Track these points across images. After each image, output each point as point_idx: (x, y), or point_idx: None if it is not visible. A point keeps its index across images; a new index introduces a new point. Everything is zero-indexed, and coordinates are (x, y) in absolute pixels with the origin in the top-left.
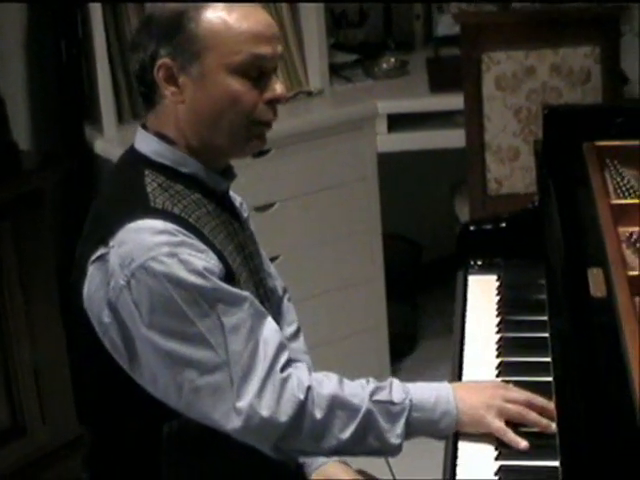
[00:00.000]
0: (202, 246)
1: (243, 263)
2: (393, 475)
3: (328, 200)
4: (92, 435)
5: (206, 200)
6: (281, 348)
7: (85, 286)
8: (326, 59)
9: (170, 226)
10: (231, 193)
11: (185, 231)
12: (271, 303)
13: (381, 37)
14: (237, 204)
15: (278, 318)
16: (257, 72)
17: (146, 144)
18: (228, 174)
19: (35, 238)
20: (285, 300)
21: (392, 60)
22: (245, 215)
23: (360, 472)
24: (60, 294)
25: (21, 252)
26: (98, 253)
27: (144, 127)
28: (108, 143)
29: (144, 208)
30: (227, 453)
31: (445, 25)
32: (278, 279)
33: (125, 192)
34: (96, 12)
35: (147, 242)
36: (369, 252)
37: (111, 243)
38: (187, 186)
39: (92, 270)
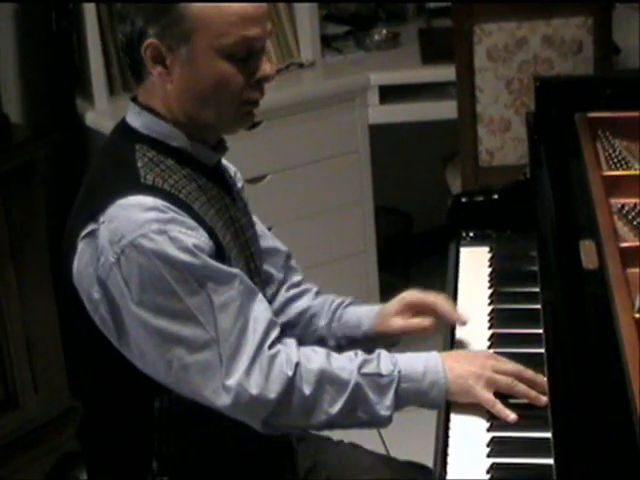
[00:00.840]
0: (192, 223)
1: (234, 238)
2: (386, 447)
3: (320, 172)
4: (85, 408)
5: (197, 174)
6: (271, 325)
7: (75, 262)
8: (317, 31)
9: (160, 202)
10: (225, 163)
11: (175, 208)
12: (262, 277)
13: (373, 8)
14: (231, 173)
15: (273, 288)
16: (246, 53)
17: (136, 118)
18: (219, 148)
19: (26, 211)
20: (291, 263)
21: (384, 32)
22: (240, 185)
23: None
24: (52, 266)
25: (12, 225)
26: (88, 229)
27: (134, 100)
28: (99, 115)
29: (134, 184)
30: (218, 427)
31: None
32: (277, 241)
33: (116, 167)
34: None
35: (137, 219)
36: (361, 224)
37: (101, 219)
38: (177, 160)
39: (82, 246)
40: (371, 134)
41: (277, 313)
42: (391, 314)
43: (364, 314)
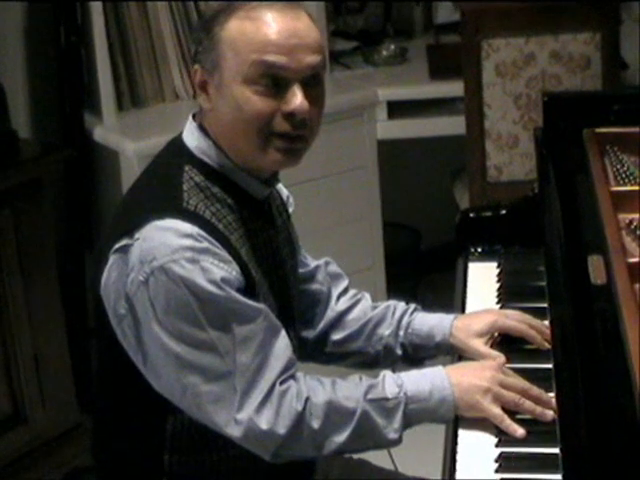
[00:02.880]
0: (226, 256)
1: (268, 272)
2: (394, 463)
3: (328, 187)
4: (96, 425)
5: (241, 205)
6: (289, 364)
7: (104, 273)
8: (326, 46)
9: (197, 231)
10: (279, 187)
11: (211, 238)
12: (294, 312)
13: (381, 24)
14: (284, 198)
15: (321, 304)
16: (271, 81)
17: (192, 137)
18: (271, 181)
19: (35, 226)
20: (331, 268)
21: (392, 47)
22: (290, 210)
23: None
24: (60, 282)
25: (21, 240)
26: (122, 243)
27: (194, 116)
28: (107, 131)
29: (176, 207)
30: (229, 451)
31: (445, 12)
32: (309, 259)
33: (161, 185)
34: None
35: (171, 243)
36: (369, 239)
37: (136, 236)
38: (224, 189)
39: (113, 259)
40: (379, 149)
41: (334, 328)
42: (476, 334)
43: (435, 324)
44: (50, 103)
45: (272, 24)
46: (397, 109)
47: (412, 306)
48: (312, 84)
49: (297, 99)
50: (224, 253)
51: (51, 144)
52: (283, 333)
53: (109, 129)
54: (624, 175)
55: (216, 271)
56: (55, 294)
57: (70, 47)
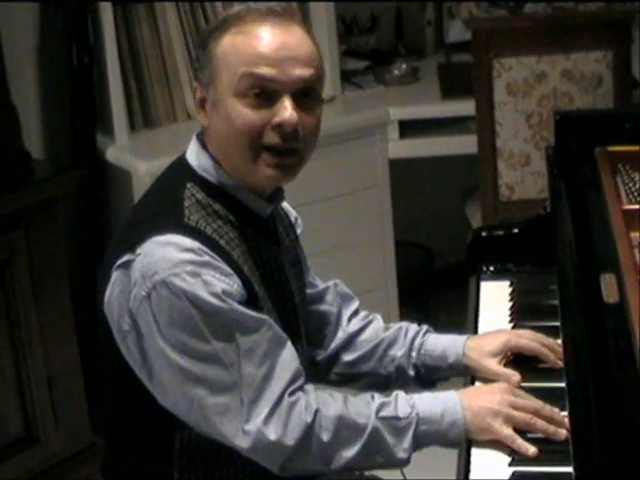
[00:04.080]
0: (227, 270)
1: (272, 289)
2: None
3: (340, 207)
4: (106, 443)
5: (244, 222)
6: (296, 375)
7: (108, 290)
8: (337, 66)
9: (197, 245)
10: (286, 207)
11: (213, 253)
12: (301, 331)
13: (392, 43)
14: (292, 219)
15: (331, 326)
16: (260, 93)
17: (195, 156)
18: (275, 198)
19: (47, 247)
20: (341, 289)
21: (403, 66)
22: (299, 231)
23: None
24: (73, 302)
25: (33, 261)
26: (124, 259)
27: (198, 136)
28: (119, 151)
29: (177, 222)
30: (239, 464)
31: (456, 31)
32: (318, 280)
33: (163, 202)
34: (107, 16)
35: (172, 257)
36: (381, 259)
37: (138, 251)
38: (226, 206)
39: (116, 276)
40: (391, 168)
41: (345, 349)
42: (490, 354)
43: (448, 345)
44: (62, 123)
45: (262, 37)
46: (409, 128)
47: (424, 327)
48: (304, 97)
49: (286, 111)
50: (225, 267)
51: (63, 164)
52: (289, 344)
53: (121, 149)
54: (636, 193)
55: (217, 284)
56: (68, 314)
57: (82, 67)
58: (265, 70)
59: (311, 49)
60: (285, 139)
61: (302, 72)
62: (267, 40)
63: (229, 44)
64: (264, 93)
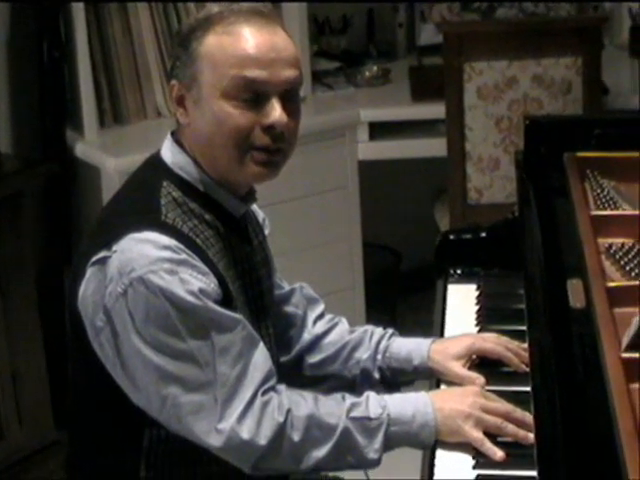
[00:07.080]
0: (204, 268)
1: (244, 288)
2: None
3: (309, 207)
4: (72, 439)
5: (219, 221)
6: (269, 375)
7: (82, 286)
8: (308, 66)
9: (174, 243)
10: (254, 208)
11: (189, 251)
12: (270, 330)
13: (364, 45)
14: (259, 219)
15: (296, 327)
16: (250, 95)
17: (171, 154)
18: (248, 198)
19: (14, 242)
20: (306, 292)
21: (375, 68)
22: (267, 232)
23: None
24: (39, 298)
25: (0, 256)
26: (100, 255)
27: (173, 133)
28: (89, 147)
29: (154, 220)
30: (208, 462)
31: (428, 34)
32: (285, 282)
33: (139, 199)
34: (79, 14)
35: (149, 254)
36: (349, 260)
37: (114, 248)
38: (202, 205)
39: (91, 271)
40: (360, 170)
41: (310, 351)
42: (454, 357)
43: (413, 348)
44: (32, 118)
45: (250, 39)
46: (379, 130)
47: (390, 331)
48: (289, 98)
49: (276, 112)
50: (202, 265)
51: (32, 159)
52: (262, 344)
53: (90, 145)
54: (604, 200)
55: (194, 282)
56: (33, 311)
57: (53, 63)
58: (257, 73)
59: (295, 50)
60: (274, 140)
61: (290, 74)
62: (255, 41)
63: (215, 44)
64: (253, 95)
